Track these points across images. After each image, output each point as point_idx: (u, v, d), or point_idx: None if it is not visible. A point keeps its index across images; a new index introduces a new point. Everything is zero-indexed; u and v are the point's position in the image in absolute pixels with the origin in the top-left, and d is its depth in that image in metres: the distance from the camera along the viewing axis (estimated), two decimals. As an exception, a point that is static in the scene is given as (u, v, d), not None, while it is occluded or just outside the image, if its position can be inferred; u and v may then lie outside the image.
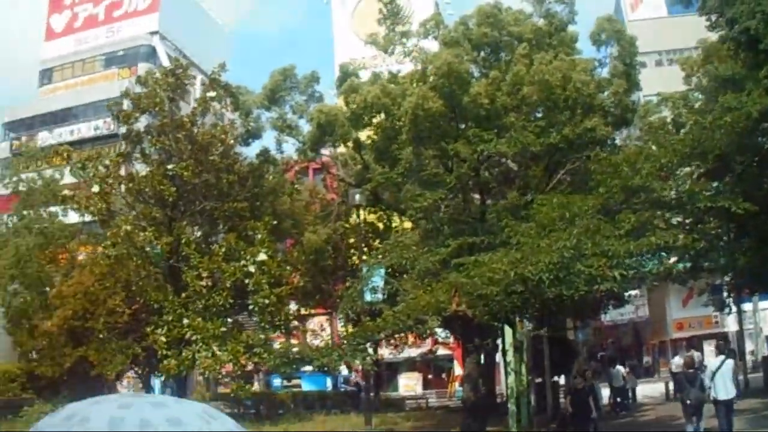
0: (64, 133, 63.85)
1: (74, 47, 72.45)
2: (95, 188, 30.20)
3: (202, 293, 24.33)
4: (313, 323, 37.66)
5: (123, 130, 31.14)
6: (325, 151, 32.12)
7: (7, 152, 62.73)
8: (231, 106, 32.15)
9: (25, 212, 38.39)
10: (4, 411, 29.12)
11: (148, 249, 26.98)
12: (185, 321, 24.33)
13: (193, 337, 24.44)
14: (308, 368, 28.01)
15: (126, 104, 30.85)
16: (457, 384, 42.73)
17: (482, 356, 27.40)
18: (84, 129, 65.12)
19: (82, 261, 32.56)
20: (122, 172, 30.45)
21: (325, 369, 24.79)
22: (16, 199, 40.68)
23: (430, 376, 51.27)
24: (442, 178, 24.48)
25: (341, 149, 31.93)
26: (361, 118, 27.51)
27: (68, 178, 34.96)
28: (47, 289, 32.31)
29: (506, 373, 23.28)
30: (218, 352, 24.28)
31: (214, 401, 28.97)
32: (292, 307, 32.39)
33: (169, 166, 29.00)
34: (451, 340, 34.47)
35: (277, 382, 44.13)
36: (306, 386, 44.09)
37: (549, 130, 23.66)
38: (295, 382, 44.66)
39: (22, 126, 69.52)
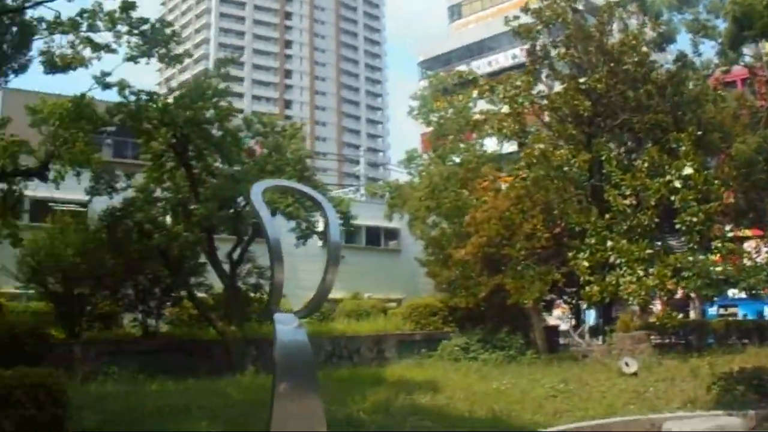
0: (481, 65, 65.03)
1: (480, -20, 73.36)
2: (505, 109, 29.57)
3: (626, 213, 22.35)
4: (750, 246, 33.60)
5: (527, 46, 29.98)
6: (748, 51, 28.48)
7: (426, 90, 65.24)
8: (638, 11, 29.57)
9: (439, 144, 38.88)
10: (425, 344, 29.50)
11: (566, 169, 25.59)
12: (609, 244, 22.60)
13: (617, 261, 22.64)
14: (743, 295, 25.02)
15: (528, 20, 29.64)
16: None
17: None
18: (501, 59, 65.77)
19: (497, 186, 31.62)
20: (534, 91, 29.37)
21: (754, 292, 21.87)
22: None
23: None
24: None
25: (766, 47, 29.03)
26: (783, 4, 24.98)
27: (482, 106, 34.64)
28: (464, 218, 31.61)
29: None
30: (643, 277, 22.19)
31: (643, 330, 26.76)
32: (727, 228, 29.09)
33: (581, 80, 27.40)
34: None
35: (712, 310, 40.72)
36: (742, 314, 40.18)
37: None
38: (732, 310, 40.86)
39: (438, 62, 72.18)
